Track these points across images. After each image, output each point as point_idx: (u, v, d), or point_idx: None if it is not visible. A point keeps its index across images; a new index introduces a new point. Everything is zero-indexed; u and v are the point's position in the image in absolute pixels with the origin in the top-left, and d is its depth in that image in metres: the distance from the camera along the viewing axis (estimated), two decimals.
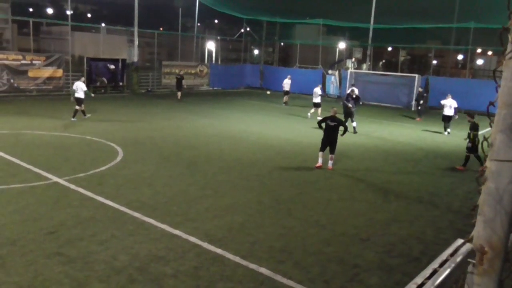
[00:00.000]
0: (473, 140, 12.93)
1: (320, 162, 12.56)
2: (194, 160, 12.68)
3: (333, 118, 12.58)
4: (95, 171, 10.99)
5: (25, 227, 7.40)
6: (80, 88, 18.13)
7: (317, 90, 22.19)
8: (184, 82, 28.76)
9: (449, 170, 13.49)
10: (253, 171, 11.93)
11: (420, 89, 25.27)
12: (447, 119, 19.74)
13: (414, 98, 27.12)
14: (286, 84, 28.85)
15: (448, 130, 19.76)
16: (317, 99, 22.13)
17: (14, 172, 10.59)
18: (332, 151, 12.50)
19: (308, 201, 9.70)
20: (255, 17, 39.51)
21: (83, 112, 18.31)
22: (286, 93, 28.49)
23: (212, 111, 23.12)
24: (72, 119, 17.83)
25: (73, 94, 18.52)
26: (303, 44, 43.36)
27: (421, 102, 24.33)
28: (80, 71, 28.82)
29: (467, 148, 13.16)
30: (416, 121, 23.56)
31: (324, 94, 31.85)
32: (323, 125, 12.72)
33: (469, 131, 13.12)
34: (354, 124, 18.55)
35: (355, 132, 18.26)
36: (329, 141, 12.48)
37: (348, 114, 18.71)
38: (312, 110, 22.24)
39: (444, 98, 20.36)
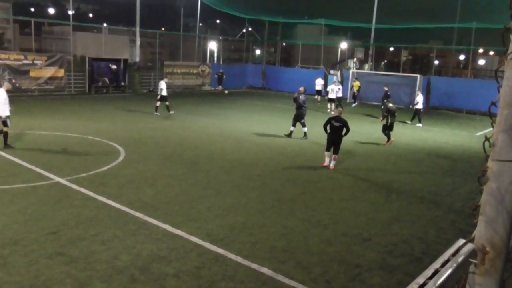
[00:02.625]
0: (388, 122, 16.26)
1: (327, 161, 12.66)
2: (196, 160, 12.69)
3: (337, 118, 12.57)
4: (97, 171, 11.01)
5: (27, 227, 7.41)
6: (161, 86, 21.11)
7: (333, 87, 25.00)
8: (182, 82, 28.99)
9: (451, 170, 13.48)
10: (255, 171, 11.93)
11: (385, 88, 24.71)
12: (420, 113, 22.04)
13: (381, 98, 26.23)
14: (319, 84, 30.25)
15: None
16: (332, 95, 24.77)
17: (16, 172, 10.61)
18: (335, 151, 12.53)
19: (310, 201, 9.70)
20: (257, 17, 39.53)
21: (168, 108, 20.84)
22: (318, 92, 30.02)
23: (214, 111, 23.12)
24: (155, 113, 20.77)
25: (161, 92, 21.05)
26: (305, 44, 43.37)
27: (385, 101, 23.83)
28: (82, 71, 28.91)
29: (384, 128, 16.46)
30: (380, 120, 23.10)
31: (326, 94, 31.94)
32: (328, 127, 12.65)
33: (386, 114, 16.40)
34: (305, 129, 16.81)
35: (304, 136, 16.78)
36: (333, 141, 12.51)
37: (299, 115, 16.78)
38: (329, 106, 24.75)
39: (417, 95, 22.66)
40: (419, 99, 22.03)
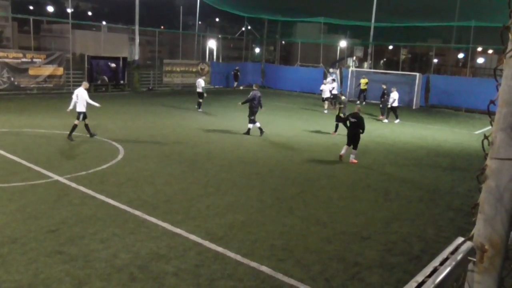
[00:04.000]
0: (339, 113, 17.41)
1: (342, 151, 13.30)
2: (195, 158, 12.69)
3: (354, 115, 13.13)
4: (96, 169, 11.00)
5: (26, 226, 7.41)
6: (200, 85, 22.37)
7: (324, 87, 24.94)
8: (181, 80, 28.91)
9: (450, 168, 13.50)
10: (255, 169, 11.93)
11: (383, 86, 24.44)
12: (396, 110, 22.16)
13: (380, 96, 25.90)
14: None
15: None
16: (326, 94, 24.74)
17: (15, 170, 10.60)
18: (354, 147, 13.13)
19: (309, 200, 9.70)
20: (256, 15, 39.48)
21: (199, 105, 22.44)
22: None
23: (213, 109, 23.10)
24: (199, 109, 22.27)
25: (205, 91, 22.54)
26: (305, 42, 43.34)
27: (382, 99, 23.76)
28: (81, 69, 28.87)
29: (336, 117, 17.51)
30: (380, 119, 22.92)
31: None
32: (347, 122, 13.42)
33: (340, 106, 17.69)
34: (258, 124, 16.68)
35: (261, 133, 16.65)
36: (350, 137, 13.08)
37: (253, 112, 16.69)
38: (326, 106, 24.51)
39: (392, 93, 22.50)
40: (395, 96, 21.90)
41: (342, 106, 17.70)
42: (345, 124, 13.36)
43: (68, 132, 14.14)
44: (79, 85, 15.25)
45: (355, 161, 13.19)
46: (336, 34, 48.79)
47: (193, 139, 15.45)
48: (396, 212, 9.25)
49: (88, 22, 53.66)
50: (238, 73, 35.28)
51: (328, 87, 24.89)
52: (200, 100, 22.43)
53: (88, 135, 14.53)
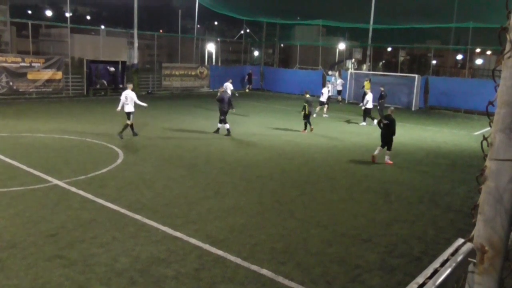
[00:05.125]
0: (305, 111, 18.03)
1: (376, 152, 13.68)
2: (195, 162, 12.68)
3: (387, 117, 13.70)
4: (96, 173, 10.99)
5: (26, 230, 7.40)
6: (228, 87, 23.29)
7: (324, 90, 24.52)
8: (180, 84, 28.92)
9: (450, 169, 13.50)
10: (254, 172, 11.93)
11: (381, 89, 24.25)
12: (370, 112, 21.45)
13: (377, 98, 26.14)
14: (340, 84, 31.50)
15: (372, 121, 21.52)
16: (323, 98, 24.26)
17: (14, 174, 10.59)
18: (388, 148, 13.60)
19: (309, 202, 9.70)
20: (255, 18, 39.55)
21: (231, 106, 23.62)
22: (339, 92, 31.45)
23: (213, 112, 23.07)
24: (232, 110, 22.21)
25: (235, 93, 23.77)
26: (303, 45, 43.40)
27: (380, 101, 23.80)
28: (80, 73, 28.90)
29: (303, 116, 18.24)
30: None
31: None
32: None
33: (304, 104, 18.05)
34: (227, 126, 16.88)
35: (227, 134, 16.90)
36: (384, 138, 13.56)
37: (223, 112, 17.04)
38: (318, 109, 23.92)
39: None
40: (369, 97, 21.36)
41: (305, 104, 18.20)
42: (380, 126, 13.89)
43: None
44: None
45: (390, 162, 13.62)
46: (335, 37, 48.83)
47: (192, 142, 15.45)
48: (396, 214, 9.24)
49: (86, 26, 53.74)
50: (252, 76, 36.85)
51: (325, 91, 24.82)
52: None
53: (133, 134, 15.67)
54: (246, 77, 36.77)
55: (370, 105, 21.35)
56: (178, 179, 10.93)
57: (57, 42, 49.10)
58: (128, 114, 15.35)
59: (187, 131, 17.54)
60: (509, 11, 1.40)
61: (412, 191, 11.02)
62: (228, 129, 16.91)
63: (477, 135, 20.35)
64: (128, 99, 15.33)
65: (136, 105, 15.56)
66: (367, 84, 29.15)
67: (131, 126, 15.55)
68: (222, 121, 17.00)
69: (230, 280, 6.09)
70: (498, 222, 1.46)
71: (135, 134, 15.68)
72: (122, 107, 15.39)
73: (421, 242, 7.83)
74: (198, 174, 11.42)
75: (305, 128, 18.41)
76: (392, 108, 14.41)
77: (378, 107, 23.59)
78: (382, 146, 13.63)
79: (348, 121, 22.69)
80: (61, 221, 7.87)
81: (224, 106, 16.94)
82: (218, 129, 17.23)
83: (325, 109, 24.28)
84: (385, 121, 13.61)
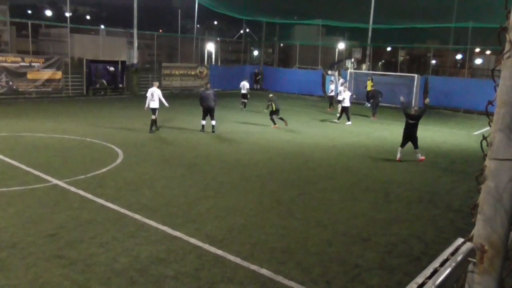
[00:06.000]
0: (273, 108, 18.75)
1: (398, 156, 13.96)
2: (195, 162, 12.68)
3: (411, 116, 13.76)
4: (95, 173, 10.99)
5: (25, 230, 7.40)
6: (245, 87, 24.67)
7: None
8: (180, 83, 28.90)
9: (449, 169, 13.51)
10: (254, 172, 11.93)
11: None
12: (348, 110, 21.32)
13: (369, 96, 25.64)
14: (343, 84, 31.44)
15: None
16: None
17: (14, 174, 10.58)
18: (415, 146, 13.97)
19: (309, 202, 9.70)
20: (254, 18, 39.55)
21: (244, 105, 24.51)
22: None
23: None
24: (244, 109, 24.22)
25: (249, 92, 25.00)
26: (303, 44, 43.40)
27: (380, 98, 23.71)
28: (79, 73, 28.88)
29: (270, 113, 19.00)
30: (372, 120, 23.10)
31: (323, 94, 32.04)
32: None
33: (268, 103, 18.97)
34: (203, 122, 17.46)
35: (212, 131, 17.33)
36: (408, 137, 13.79)
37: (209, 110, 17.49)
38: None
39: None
40: (346, 95, 21.17)
41: (269, 103, 18.86)
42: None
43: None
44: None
45: (423, 157, 14.06)
46: (334, 36, 48.86)
47: (191, 142, 15.45)
48: (396, 214, 9.24)
49: (86, 26, 53.72)
50: (259, 76, 37.57)
51: (333, 87, 24.82)
52: (245, 100, 24.45)
53: (155, 128, 16.69)
54: (253, 77, 36.98)
55: (347, 103, 21.08)
56: (177, 178, 10.93)
57: (57, 42, 49.08)
58: (154, 110, 16.32)
59: (187, 130, 17.53)
60: (509, 11, 1.40)
61: (411, 190, 11.02)
62: (203, 125, 17.44)
63: (476, 134, 20.36)
64: (154, 95, 16.32)
65: (161, 102, 16.39)
66: (369, 84, 29.17)
67: (155, 121, 16.48)
68: (203, 118, 17.45)
69: (229, 280, 6.09)
70: (497, 222, 1.46)
71: (152, 131, 16.43)
72: (149, 104, 16.32)
73: (421, 241, 7.83)
74: (197, 174, 11.42)
75: (275, 123, 19.02)
76: (416, 108, 14.90)
77: (370, 106, 23.57)
78: (402, 146, 13.92)
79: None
80: (60, 220, 7.87)
81: (202, 104, 17.40)
82: (203, 126, 17.51)
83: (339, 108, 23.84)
84: (411, 121, 13.68)
